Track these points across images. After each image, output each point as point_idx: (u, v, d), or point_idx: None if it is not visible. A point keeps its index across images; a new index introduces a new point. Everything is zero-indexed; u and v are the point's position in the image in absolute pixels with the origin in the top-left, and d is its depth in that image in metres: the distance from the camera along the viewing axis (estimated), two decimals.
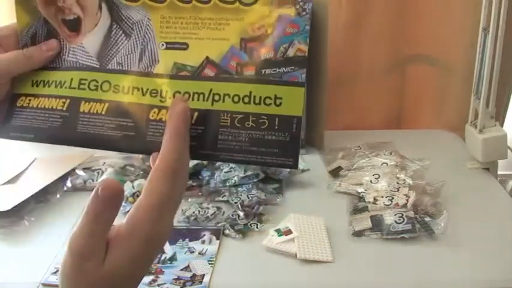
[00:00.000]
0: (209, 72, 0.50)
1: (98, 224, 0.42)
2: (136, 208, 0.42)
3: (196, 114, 0.49)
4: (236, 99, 0.49)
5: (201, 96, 0.50)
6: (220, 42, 0.50)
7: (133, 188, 0.99)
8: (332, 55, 1.13)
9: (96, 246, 0.42)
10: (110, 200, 0.42)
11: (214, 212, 0.97)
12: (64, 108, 0.52)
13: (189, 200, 1.01)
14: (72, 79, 0.52)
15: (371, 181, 1.01)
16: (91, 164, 1.13)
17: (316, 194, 1.05)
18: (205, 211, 0.97)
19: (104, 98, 0.51)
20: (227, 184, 1.03)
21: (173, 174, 0.43)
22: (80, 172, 1.10)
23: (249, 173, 1.04)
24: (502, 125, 1.25)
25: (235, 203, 0.98)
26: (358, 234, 0.91)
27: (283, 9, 0.50)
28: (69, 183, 1.07)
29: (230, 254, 0.88)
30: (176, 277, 0.82)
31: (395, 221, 0.90)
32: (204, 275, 0.82)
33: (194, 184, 1.05)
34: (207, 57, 0.50)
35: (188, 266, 0.84)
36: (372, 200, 0.96)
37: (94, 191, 0.42)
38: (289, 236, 0.88)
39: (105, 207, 0.42)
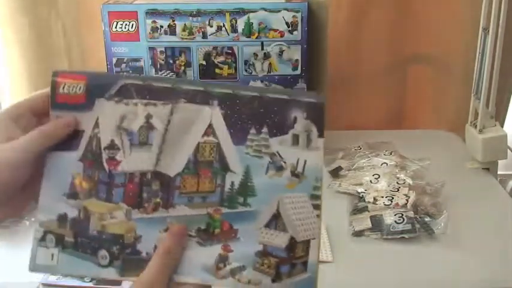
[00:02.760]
0: None
1: (169, 257, 0.51)
2: None
3: None
4: None
5: None
6: None
7: None
8: (332, 55, 1.13)
9: (164, 280, 0.50)
10: (179, 235, 0.51)
11: None
12: None
13: None
14: None
15: (371, 181, 1.01)
16: None
17: None
18: None
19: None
20: None
21: None
22: None
23: None
24: (502, 125, 1.25)
25: None
26: (358, 234, 0.91)
27: None
28: None
29: None
30: None
31: (395, 221, 0.90)
32: None
33: None
34: None
35: None
36: (372, 200, 0.96)
37: (167, 233, 0.51)
38: None
39: (176, 242, 0.51)
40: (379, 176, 1.02)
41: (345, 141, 1.21)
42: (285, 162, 0.54)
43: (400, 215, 0.91)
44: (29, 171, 0.52)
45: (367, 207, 0.95)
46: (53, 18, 1.25)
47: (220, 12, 1.08)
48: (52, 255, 0.54)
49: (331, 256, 0.85)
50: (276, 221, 0.53)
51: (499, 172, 1.13)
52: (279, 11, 1.08)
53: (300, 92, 0.56)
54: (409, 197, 0.95)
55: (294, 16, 1.08)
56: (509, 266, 0.84)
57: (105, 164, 0.54)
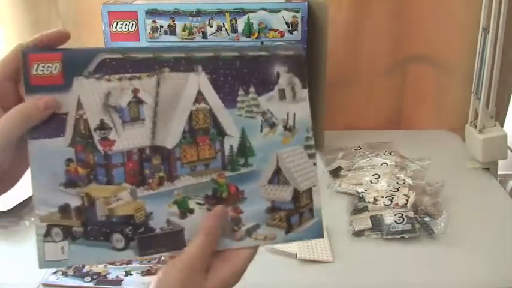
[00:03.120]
0: None
1: (210, 238, 0.51)
2: None
3: None
4: None
5: None
6: None
7: None
8: (332, 55, 1.13)
9: (205, 261, 0.51)
10: (222, 216, 0.52)
11: None
12: None
13: None
14: None
15: (371, 181, 1.01)
16: None
17: None
18: None
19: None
20: None
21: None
22: None
23: None
24: (502, 125, 1.25)
25: None
26: (358, 234, 0.91)
27: None
28: None
29: None
30: None
31: (395, 221, 0.90)
32: None
33: None
34: None
35: None
36: (371, 200, 0.96)
37: (210, 213, 0.52)
38: None
39: (218, 222, 0.52)
40: (379, 176, 1.02)
41: (345, 141, 1.21)
42: (276, 119, 0.55)
43: (400, 215, 0.91)
44: (9, 156, 0.50)
45: (367, 207, 0.95)
46: (53, 18, 1.25)
47: (220, 12, 1.08)
48: (62, 249, 0.52)
49: (331, 256, 0.85)
50: (277, 176, 0.56)
51: (499, 172, 1.13)
52: (279, 11, 1.08)
53: (278, 47, 0.57)
54: (409, 197, 0.95)
55: (294, 16, 1.08)
56: (509, 266, 0.84)
57: (98, 146, 0.51)
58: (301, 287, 0.83)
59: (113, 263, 0.84)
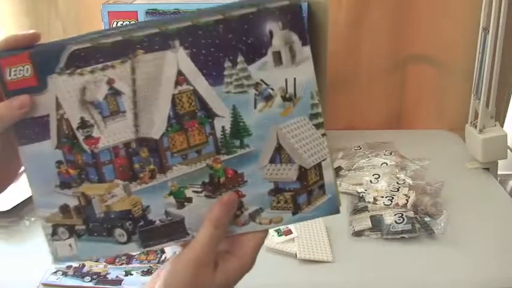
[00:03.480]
0: None
1: (218, 229, 0.49)
2: None
3: None
4: None
5: None
6: None
7: None
8: (332, 55, 1.13)
9: (213, 253, 0.49)
10: (229, 205, 0.50)
11: None
12: None
13: None
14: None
15: (371, 181, 1.01)
16: None
17: None
18: None
19: None
20: None
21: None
22: None
23: None
24: (502, 125, 1.25)
25: None
26: (358, 234, 0.91)
27: None
28: None
29: None
30: None
31: (395, 221, 0.90)
32: None
33: None
34: None
35: None
36: (371, 200, 0.96)
37: (217, 202, 0.50)
38: (289, 236, 0.88)
39: (226, 212, 0.50)
40: (379, 176, 1.02)
41: (345, 141, 1.21)
42: (272, 89, 0.49)
43: (400, 215, 0.91)
44: None
45: (367, 207, 0.95)
46: (52, 18, 1.25)
47: None
48: (70, 246, 0.53)
49: (331, 256, 0.85)
50: (279, 154, 0.50)
51: (499, 172, 1.13)
52: None
53: None
54: (409, 197, 0.95)
55: None
56: (509, 266, 0.84)
57: (84, 145, 0.50)
58: (301, 287, 0.83)
59: (119, 256, 0.85)
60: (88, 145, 0.50)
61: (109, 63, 0.48)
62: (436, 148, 1.20)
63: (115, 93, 0.49)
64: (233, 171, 0.51)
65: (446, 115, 1.31)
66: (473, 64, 1.08)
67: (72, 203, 0.52)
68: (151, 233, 0.52)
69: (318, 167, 0.51)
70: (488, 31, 1.01)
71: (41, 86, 0.49)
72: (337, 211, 0.52)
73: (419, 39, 1.27)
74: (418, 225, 0.90)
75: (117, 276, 0.82)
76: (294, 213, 0.52)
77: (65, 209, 0.52)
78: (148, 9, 1.09)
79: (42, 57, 0.48)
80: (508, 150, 1.10)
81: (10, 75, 0.48)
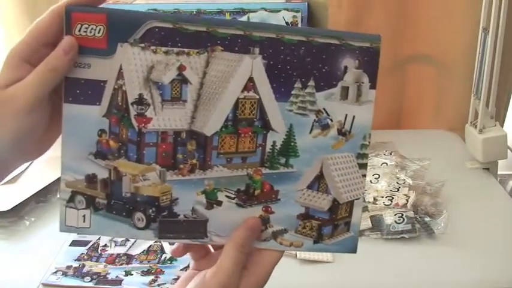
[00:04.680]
0: None
1: (242, 253, 0.49)
2: None
3: None
4: None
5: None
6: None
7: None
8: None
9: (238, 277, 0.49)
10: (254, 229, 0.50)
11: None
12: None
13: None
14: None
15: (371, 181, 1.01)
16: None
17: None
18: None
19: None
20: None
21: None
22: None
23: None
24: (502, 125, 1.25)
25: None
26: (358, 234, 0.90)
27: None
28: None
29: None
30: (176, 277, 0.82)
31: (395, 221, 0.90)
32: None
33: None
34: None
35: (188, 266, 0.84)
36: (371, 200, 0.96)
37: (242, 224, 0.50)
38: None
39: (250, 236, 0.49)
40: (379, 176, 1.02)
41: None
42: (331, 120, 0.50)
43: (400, 215, 0.91)
44: (45, 113, 0.48)
45: (367, 207, 0.95)
46: None
47: (220, 12, 1.08)
48: (84, 217, 0.51)
49: (331, 256, 0.85)
50: (318, 182, 0.51)
51: (499, 172, 1.13)
52: (279, 11, 1.08)
53: (353, 35, 0.49)
54: (409, 197, 0.95)
55: (294, 16, 1.08)
56: (510, 266, 0.84)
57: (133, 121, 0.48)
58: (301, 287, 0.83)
59: (119, 255, 0.85)
60: (138, 122, 0.49)
61: (185, 50, 0.48)
62: (436, 148, 1.20)
63: (182, 80, 0.48)
64: (270, 186, 0.51)
65: (446, 115, 1.31)
66: (473, 64, 1.08)
67: (102, 174, 0.50)
68: (172, 226, 0.51)
69: (350, 204, 0.52)
70: (488, 31, 1.01)
71: (109, 51, 0.47)
72: (355, 251, 0.53)
73: (419, 39, 1.27)
74: (418, 225, 0.90)
75: (117, 276, 0.82)
76: (315, 242, 0.52)
77: (91, 178, 0.50)
78: (148, 9, 1.09)
79: (119, 23, 0.47)
80: (508, 150, 1.10)
81: (79, 31, 0.47)
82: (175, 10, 1.08)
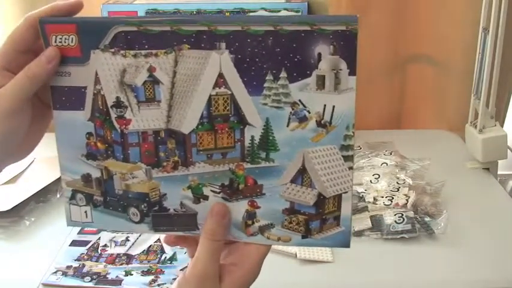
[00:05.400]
0: None
1: (214, 241, 0.50)
2: None
3: None
4: None
5: None
6: None
7: None
8: None
9: (215, 265, 0.50)
10: (220, 214, 0.50)
11: None
12: None
13: None
14: None
15: (371, 181, 1.01)
16: None
17: None
18: None
19: None
20: None
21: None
22: None
23: None
24: (502, 125, 1.25)
25: None
26: (358, 234, 0.91)
27: None
28: None
29: None
30: (176, 277, 0.82)
31: (395, 221, 0.90)
32: None
33: None
34: None
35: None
36: (371, 200, 0.96)
37: (208, 213, 0.51)
38: None
39: (218, 222, 0.50)
40: (379, 176, 1.02)
41: None
42: (309, 112, 0.48)
43: (400, 215, 0.91)
44: (26, 117, 0.50)
45: (367, 207, 0.95)
46: None
47: (220, 12, 1.08)
48: (85, 213, 0.54)
49: (331, 256, 0.85)
50: (301, 176, 0.50)
51: (499, 172, 1.13)
52: (279, 11, 1.08)
53: (325, 19, 0.45)
54: (409, 197, 0.95)
55: None
56: (509, 266, 0.84)
57: (115, 123, 0.51)
58: (301, 287, 0.83)
59: (119, 255, 0.87)
60: (119, 124, 0.51)
61: (153, 51, 0.49)
62: (436, 148, 1.20)
63: (154, 81, 0.50)
64: (253, 180, 0.51)
65: (446, 115, 1.31)
66: (473, 64, 1.08)
67: (95, 174, 0.53)
68: (164, 219, 0.53)
69: (338, 197, 0.51)
70: (488, 31, 1.01)
71: (83, 58, 0.50)
72: (348, 245, 0.53)
73: (419, 39, 1.27)
74: (418, 225, 0.90)
75: (117, 276, 0.82)
76: (303, 237, 0.52)
77: (87, 178, 0.54)
78: (148, 9, 1.09)
79: (88, 31, 0.49)
80: (508, 150, 1.10)
81: (55, 42, 0.49)
82: (175, 10, 1.08)
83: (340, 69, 0.46)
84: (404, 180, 1.00)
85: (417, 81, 1.32)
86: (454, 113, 1.29)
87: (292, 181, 0.51)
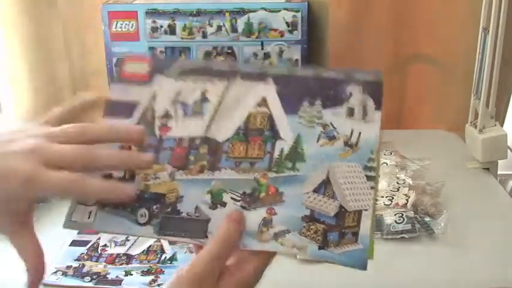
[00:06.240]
0: None
1: (221, 248, 0.49)
2: None
3: None
4: None
5: None
6: None
7: None
8: (332, 55, 1.13)
9: (218, 269, 0.48)
10: (238, 221, 0.50)
11: None
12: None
13: None
14: None
15: None
16: None
17: None
18: None
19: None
20: None
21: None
22: None
23: None
24: (502, 125, 1.25)
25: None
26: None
27: None
28: None
29: None
30: None
31: (395, 221, 0.90)
32: None
33: None
34: None
35: None
36: None
37: (225, 218, 0.50)
38: None
39: (234, 230, 0.49)
40: (379, 176, 1.02)
41: None
42: (337, 133, 0.52)
43: (400, 214, 0.91)
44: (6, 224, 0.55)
45: None
46: (53, 18, 1.25)
47: (220, 12, 1.08)
48: (90, 213, 0.54)
49: None
50: (325, 187, 0.51)
51: (499, 172, 1.13)
52: (279, 11, 1.08)
53: (357, 72, 0.54)
54: (409, 197, 0.95)
55: (294, 16, 1.08)
56: (509, 266, 0.84)
57: (156, 131, 0.55)
58: (301, 287, 0.83)
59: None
60: (161, 132, 0.55)
61: (210, 78, 0.55)
62: (436, 148, 1.20)
63: (203, 99, 0.55)
64: (275, 189, 0.52)
65: (446, 115, 1.31)
66: (473, 64, 1.08)
67: (117, 174, 0.54)
68: (174, 223, 0.52)
69: (358, 213, 0.51)
70: (488, 31, 1.01)
71: (148, 81, 0.56)
72: (364, 267, 0.52)
73: (419, 39, 1.27)
74: (418, 225, 0.90)
75: (117, 276, 0.82)
76: (320, 248, 0.51)
77: (108, 177, 0.54)
78: (148, 9, 1.09)
79: (159, 62, 0.58)
80: (508, 150, 1.10)
81: (128, 69, 0.57)
82: (175, 10, 1.08)
83: (368, 105, 0.53)
84: (404, 180, 1.00)
85: (417, 81, 1.32)
86: (454, 113, 1.29)
87: (315, 191, 0.51)
